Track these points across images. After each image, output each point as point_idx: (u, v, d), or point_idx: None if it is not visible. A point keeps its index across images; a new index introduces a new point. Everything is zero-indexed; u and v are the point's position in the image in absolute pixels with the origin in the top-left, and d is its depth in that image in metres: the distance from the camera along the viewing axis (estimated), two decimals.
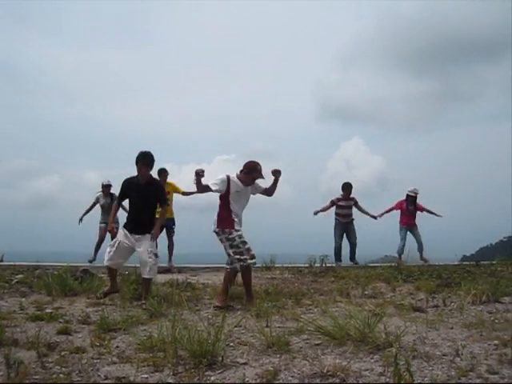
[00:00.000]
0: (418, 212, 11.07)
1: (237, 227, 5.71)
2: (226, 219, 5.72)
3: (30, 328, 4.21)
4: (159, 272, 8.51)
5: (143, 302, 5.60)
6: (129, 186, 6.10)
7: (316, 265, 9.31)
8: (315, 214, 10.61)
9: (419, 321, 4.48)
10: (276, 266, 9.44)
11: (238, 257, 5.67)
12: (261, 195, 6.11)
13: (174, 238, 9.74)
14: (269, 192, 6.08)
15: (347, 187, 10.74)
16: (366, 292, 6.59)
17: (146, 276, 5.95)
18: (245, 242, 5.70)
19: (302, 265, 9.36)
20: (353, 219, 10.78)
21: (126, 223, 6.18)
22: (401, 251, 10.86)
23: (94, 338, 3.82)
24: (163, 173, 9.29)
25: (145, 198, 6.05)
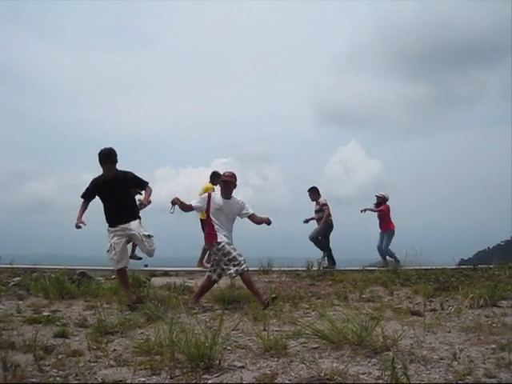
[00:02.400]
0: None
1: (220, 239, 5.93)
2: (210, 234, 6.04)
3: (26, 331, 4.20)
4: (156, 275, 8.53)
5: (132, 303, 5.71)
6: (96, 185, 6.11)
7: (313, 268, 9.31)
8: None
9: (417, 324, 4.48)
10: (273, 269, 9.43)
11: (233, 263, 5.80)
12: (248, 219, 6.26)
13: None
14: (255, 221, 6.24)
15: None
16: (364, 296, 6.59)
17: (152, 247, 6.05)
18: (234, 249, 5.92)
19: (300, 268, 9.36)
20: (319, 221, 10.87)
21: (108, 223, 6.13)
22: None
23: (91, 341, 3.82)
24: (218, 176, 9.62)
25: (114, 193, 6.04)
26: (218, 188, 10.05)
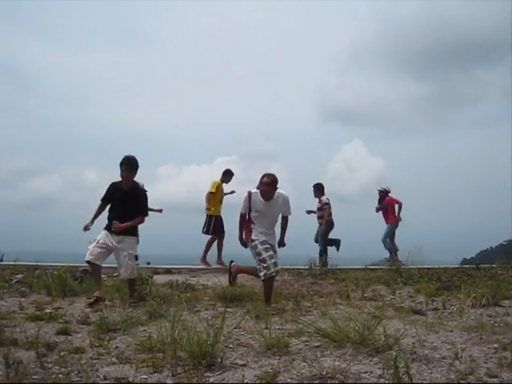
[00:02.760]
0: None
1: (254, 236, 5.93)
2: (247, 229, 6.08)
3: (29, 328, 4.21)
4: (158, 273, 8.55)
5: (132, 301, 5.76)
6: (114, 190, 6.17)
7: (316, 267, 9.30)
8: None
9: (419, 323, 4.48)
10: None
11: (262, 265, 5.78)
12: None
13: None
14: (282, 223, 6.22)
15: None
16: (366, 294, 6.59)
17: (126, 277, 6.05)
18: (267, 249, 5.85)
19: (302, 267, 9.35)
20: (320, 222, 10.83)
21: (107, 224, 6.15)
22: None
23: (93, 339, 3.83)
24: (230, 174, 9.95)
25: (125, 204, 6.07)
26: (225, 185, 10.16)
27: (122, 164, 6.02)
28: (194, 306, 5.59)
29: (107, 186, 6.26)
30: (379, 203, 11.65)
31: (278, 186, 5.95)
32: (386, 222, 11.50)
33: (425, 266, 9.17)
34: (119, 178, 6.15)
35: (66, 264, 8.38)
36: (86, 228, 6.05)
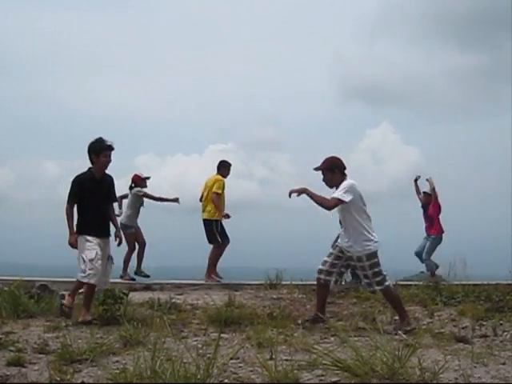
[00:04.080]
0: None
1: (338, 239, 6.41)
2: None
3: None
4: (135, 289, 8.55)
5: (93, 318, 6.02)
6: (82, 183, 6.37)
7: (335, 283, 9.30)
8: None
9: (463, 354, 4.49)
10: (283, 283, 9.44)
11: (377, 279, 6.01)
12: None
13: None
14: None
15: None
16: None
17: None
18: (330, 254, 6.29)
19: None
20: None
21: (85, 228, 6.31)
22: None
23: (53, 371, 3.83)
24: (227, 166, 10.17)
25: (100, 195, 6.38)
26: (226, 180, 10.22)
27: (107, 148, 6.31)
28: (181, 331, 5.60)
29: (72, 184, 6.42)
30: (423, 209, 11.51)
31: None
32: (429, 235, 11.42)
33: (470, 282, 9.15)
34: (79, 171, 6.45)
35: (20, 278, 8.38)
36: (73, 245, 6.32)
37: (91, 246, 6.21)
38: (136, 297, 7.60)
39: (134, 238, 10.22)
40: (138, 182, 10.40)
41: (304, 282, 9.42)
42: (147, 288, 9.00)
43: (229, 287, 8.96)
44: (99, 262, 6.17)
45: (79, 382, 3.69)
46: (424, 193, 11.57)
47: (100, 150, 6.27)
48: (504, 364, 4.25)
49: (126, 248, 9.96)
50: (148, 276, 10.25)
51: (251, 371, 3.96)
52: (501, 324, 6.01)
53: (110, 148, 6.34)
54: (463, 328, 5.94)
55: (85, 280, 6.15)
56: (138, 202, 10.31)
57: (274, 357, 4.06)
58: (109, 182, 6.55)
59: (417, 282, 9.99)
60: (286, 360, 4.17)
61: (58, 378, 3.70)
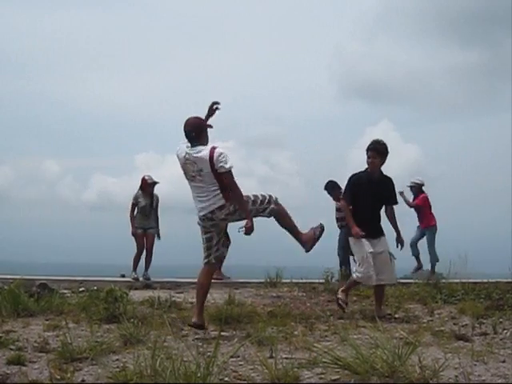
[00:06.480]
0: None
1: None
2: None
3: None
4: (136, 288, 8.56)
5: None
6: (359, 182, 6.83)
7: (334, 280, 9.30)
8: None
9: (463, 352, 4.48)
10: (283, 281, 9.44)
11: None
12: None
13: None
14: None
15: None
16: (397, 315, 6.60)
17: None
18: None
19: (317, 280, 9.35)
20: (341, 225, 10.87)
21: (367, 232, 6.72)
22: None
23: (53, 370, 3.83)
24: None
25: (374, 196, 6.78)
26: None
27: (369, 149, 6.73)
28: (181, 330, 5.60)
29: (350, 182, 6.92)
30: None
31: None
32: (425, 227, 11.51)
33: (470, 280, 9.15)
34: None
35: (20, 276, 8.39)
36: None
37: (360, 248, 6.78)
38: (136, 295, 7.62)
39: (142, 238, 10.36)
40: (143, 186, 10.46)
41: (304, 281, 9.44)
42: (147, 286, 9.00)
43: (229, 285, 8.96)
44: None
45: (79, 380, 3.69)
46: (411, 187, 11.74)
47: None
48: (504, 362, 4.25)
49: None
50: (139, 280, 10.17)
51: (251, 369, 3.96)
52: (501, 322, 6.00)
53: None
54: (463, 326, 5.93)
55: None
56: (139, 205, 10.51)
57: (274, 355, 4.06)
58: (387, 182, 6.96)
59: (417, 281, 9.99)
60: (286, 358, 4.16)
61: (59, 377, 3.70)
